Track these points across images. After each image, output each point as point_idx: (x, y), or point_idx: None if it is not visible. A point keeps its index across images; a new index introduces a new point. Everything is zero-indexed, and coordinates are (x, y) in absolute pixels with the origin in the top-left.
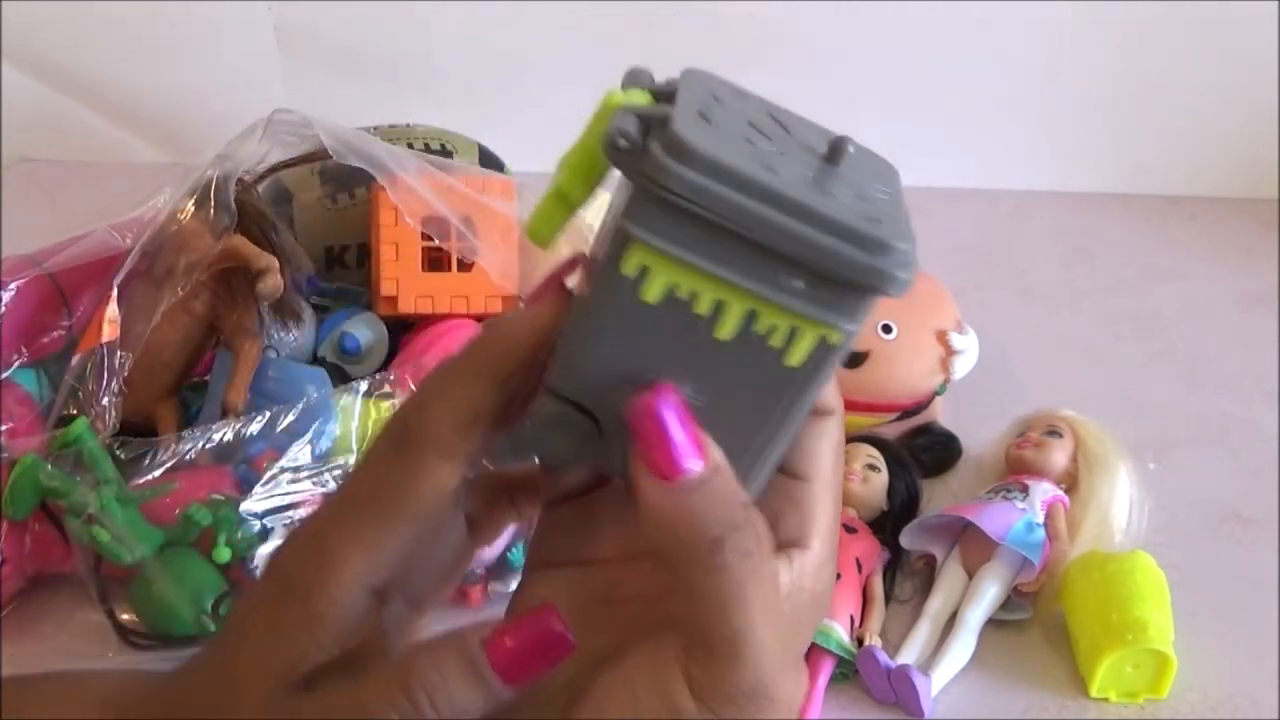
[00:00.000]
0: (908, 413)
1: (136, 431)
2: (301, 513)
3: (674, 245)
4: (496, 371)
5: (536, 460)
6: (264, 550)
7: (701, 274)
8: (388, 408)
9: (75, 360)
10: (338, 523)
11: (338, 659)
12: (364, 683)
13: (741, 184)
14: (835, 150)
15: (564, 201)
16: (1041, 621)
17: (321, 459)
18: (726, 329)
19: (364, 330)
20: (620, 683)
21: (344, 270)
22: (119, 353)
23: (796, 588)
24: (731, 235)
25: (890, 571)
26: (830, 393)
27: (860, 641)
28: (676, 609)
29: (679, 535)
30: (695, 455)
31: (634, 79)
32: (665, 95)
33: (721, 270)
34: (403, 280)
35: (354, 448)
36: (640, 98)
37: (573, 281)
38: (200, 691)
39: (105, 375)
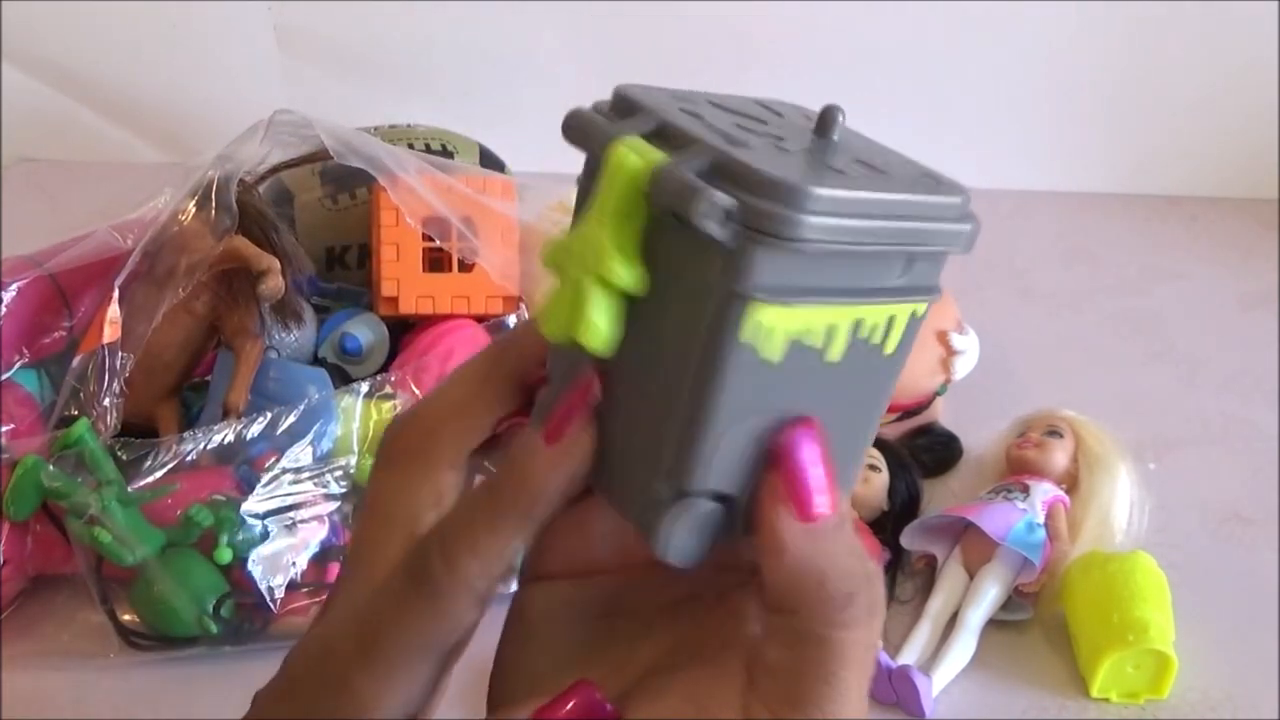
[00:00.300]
0: (908, 413)
1: (137, 432)
2: (303, 514)
3: (790, 292)
4: (527, 516)
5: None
6: (265, 550)
7: (817, 309)
8: (389, 409)
9: (76, 361)
10: (362, 666)
11: None
12: None
13: (852, 205)
14: (826, 122)
15: (615, 292)
16: (1042, 622)
17: (323, 460)
18: (838, 349)
19: (365, 331)
20: (662, 707)
21: (345, 271)
22: (120, 354)
23: None
24: (838, 258)
25: (891, 572)
26: None
27: None
28: (770, 649)
29: (818, 583)
30: (830, 499)
31: (598, 126)
32: (660, 133)
33: (834, 298)
34: (403, 281)
35: (355, 449)
36: (637, 147)
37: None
38: None
39: (106, 376)
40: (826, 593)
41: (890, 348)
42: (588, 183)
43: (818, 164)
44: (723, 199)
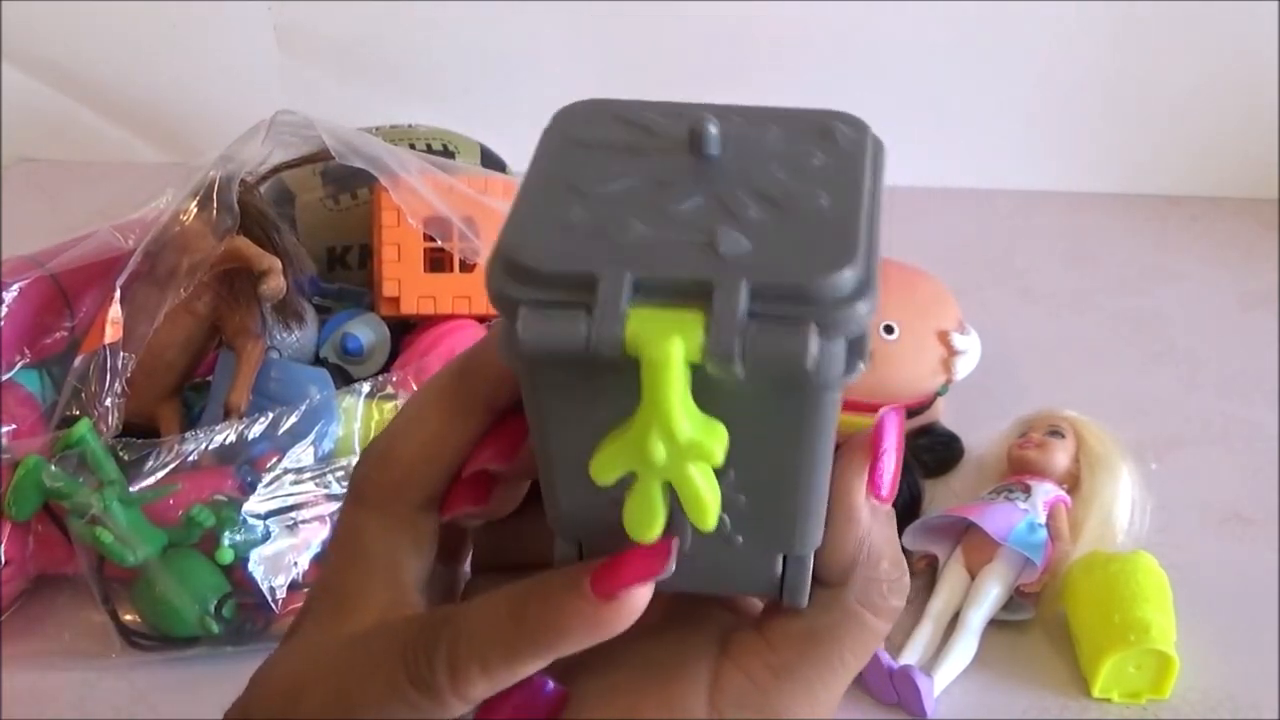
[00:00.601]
0: (909, 413)
1: (138, 432)
2: (305, 514)
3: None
4: (550, 657)
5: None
6: (267, 551)
7: None
8: (391, 409)
9: (78, 361)
10: (306, 640)
11: None
12: None
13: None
14: (695, 139)
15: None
16: (1044, 622)
17: (324, 460)
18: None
19: (366, 331)
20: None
21: (346, 271)
22: (122, 354)
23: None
24: None
25: None
26: None
27: None
28: (792, 622)
29: (875, 561)
30: (892, 490)
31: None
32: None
33: None
34: (405, 281)
35: (356, 449)
36: (663, 316)
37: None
38: None
39: (108, 376)
40: (879, 573)
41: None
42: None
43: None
44: (815, 357)
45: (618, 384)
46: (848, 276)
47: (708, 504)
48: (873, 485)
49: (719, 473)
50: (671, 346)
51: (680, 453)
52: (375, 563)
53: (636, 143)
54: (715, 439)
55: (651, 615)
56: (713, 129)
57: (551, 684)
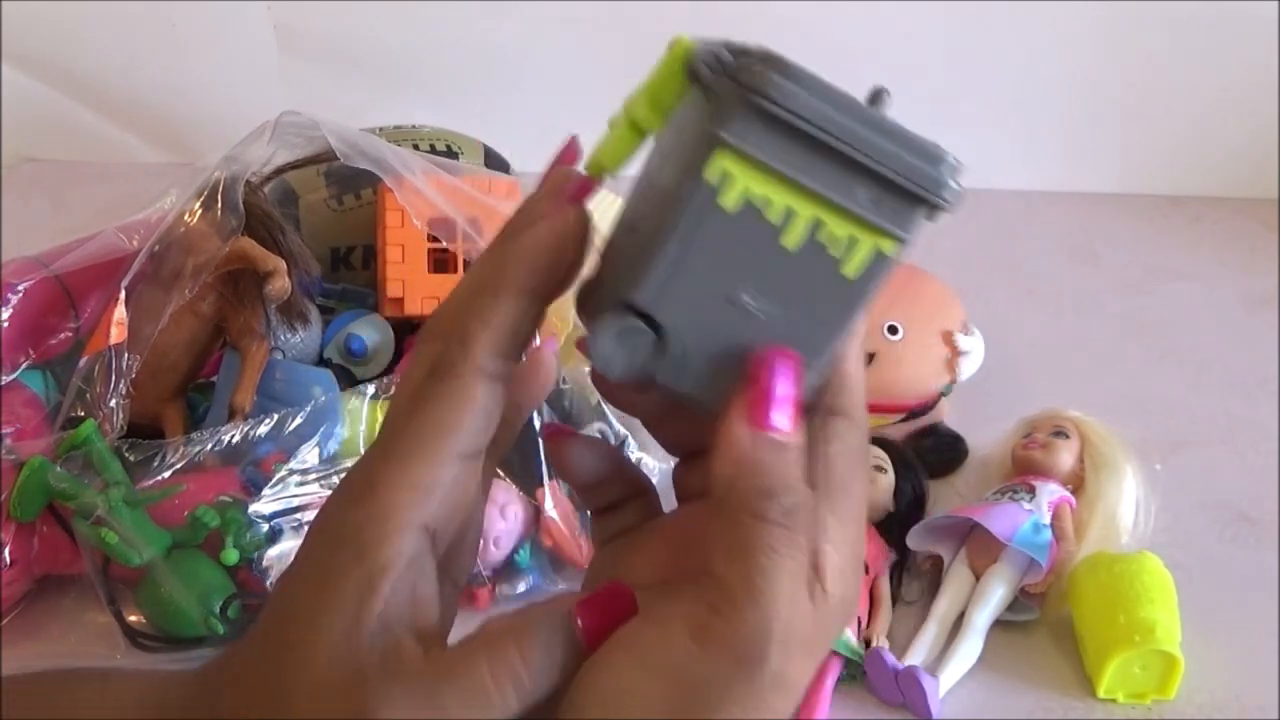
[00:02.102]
0: (914, 413)
1: (143, 433)
2: (310, 515)
3: (756, 150)
4: (533, 287)
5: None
6: (272, 551)
7: (777, 180)
8: None
9: (83, 362)
10: (385, 468)
11: (399, 611)
12: (447, 659)
13: (832, 98)
14: (875, 96)
15: (636, 130)
16: (1049, 622)
17: (329, 461)
18: (794, 237)
19: (370, 332)
20: (625, 640)
21: (350, 271)
22: (126, 355)
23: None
24: (810, 145)
25: (897, 573)
26: (849, 397)
27: (868, 643)
28: (708, 558)
29: (744, 478)
30: (790, 421)
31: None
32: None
33: (796, 175)
34: (409, 281)
35: (361, 450)
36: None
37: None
38: (249, 676)
39: (113, 377)
40: (750, 486)
41: (850, 270)
42: None
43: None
44: (722, 53)
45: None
46: (798, 72)
47: (610, 140)
48: (752, 415)
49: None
50: (682, 37)
51: (631, 103)
52: (443, 427)
53: None
54: (648, 109)
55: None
56: (888, 96)
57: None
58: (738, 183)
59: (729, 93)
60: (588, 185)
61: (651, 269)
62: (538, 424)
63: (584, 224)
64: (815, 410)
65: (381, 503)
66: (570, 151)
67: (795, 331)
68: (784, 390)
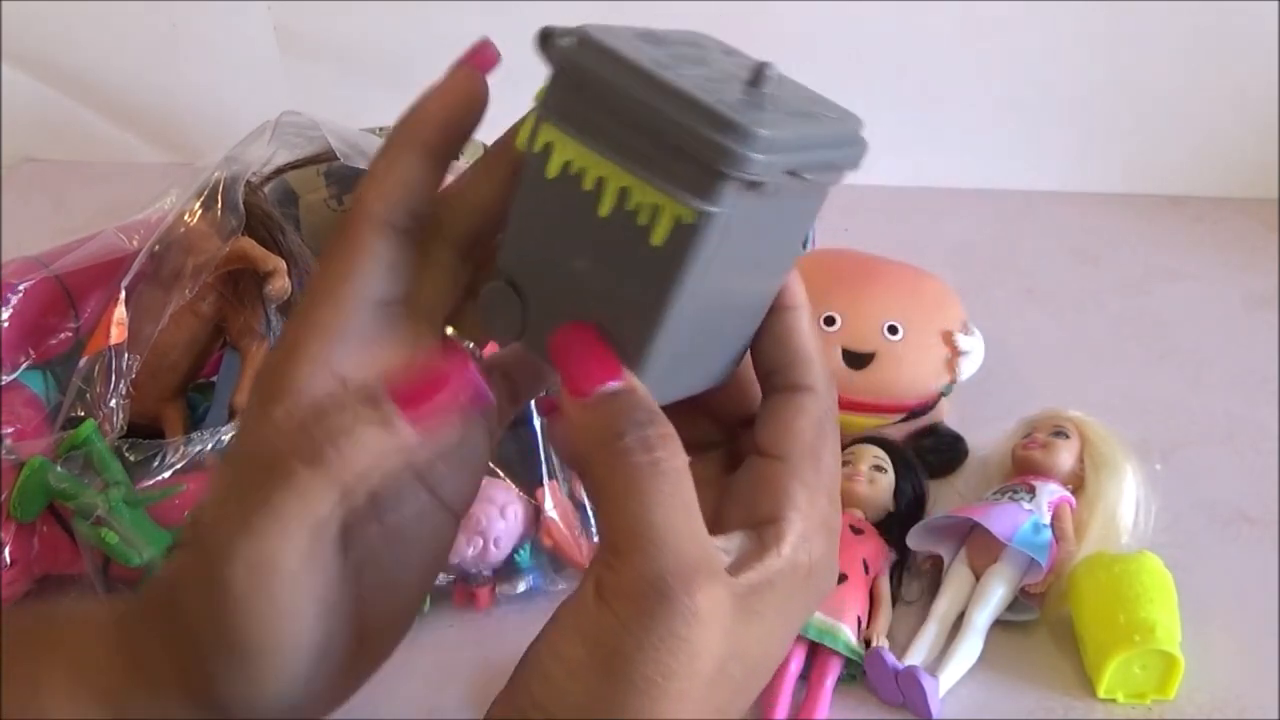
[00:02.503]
0: (914, 414)
1: (143, 433)
2: None
3: (566, 123)
4: (426, 143)
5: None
6: None
7: (585, 150)
8: None
9: (83, 362)
10: (297, 319)
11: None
12: (277, 428)
13: (636, 71)
14: (756, 75)
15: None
16: (1049, 623)
17: None
18: (605, 205)
19: None
20: (561, 608)
21: None
22: (126, 355)
23: (780, 559)
24: (616, 117)
25: (897, 573)
26: (806, 369)
27: (868, 643)
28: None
29: (589, 438)
30: (609, 377)
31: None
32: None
33: (601, 147)
34: None
35: None
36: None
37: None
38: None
39: (113, 377)
40: (595, 441)
41: (657, 239)
42: None
43: (664, 61)
44: (557, 33)
45: None
46: (593, 42)
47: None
48: (573, 391)
49: None
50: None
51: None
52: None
53: (699, 57)
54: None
55: None
56: (771, 73)
57: (464, 369)
58: (558, 153)
59: (554, 68)
60: (488, 57)
61: (506, 236)
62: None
63: (477, 89)
64: (770, 386)
65: (283, 346)
66: (485, 56)
67: (624, 299)
68: (589, 357)
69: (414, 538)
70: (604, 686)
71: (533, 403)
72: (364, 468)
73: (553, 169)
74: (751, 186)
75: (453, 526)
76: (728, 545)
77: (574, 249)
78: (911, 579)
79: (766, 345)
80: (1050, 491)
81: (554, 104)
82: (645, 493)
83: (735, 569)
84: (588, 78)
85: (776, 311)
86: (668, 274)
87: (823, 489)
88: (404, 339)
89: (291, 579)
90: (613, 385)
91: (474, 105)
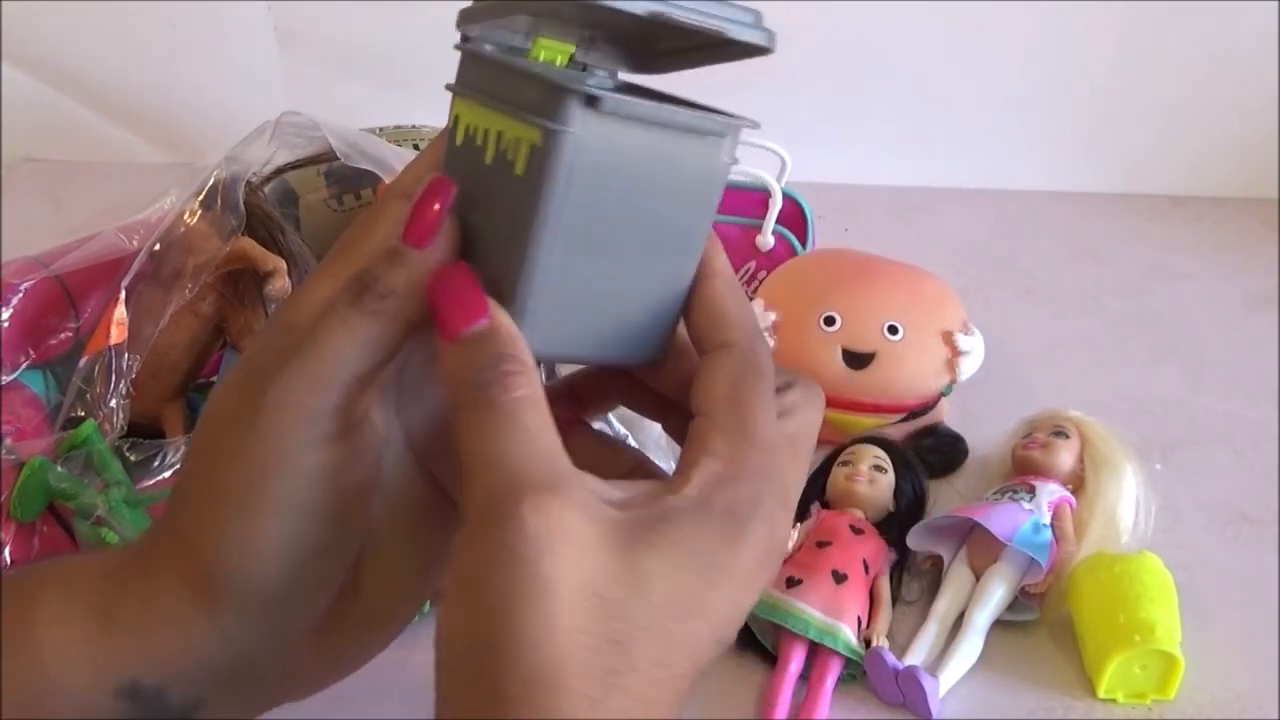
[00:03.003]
0: (914, 414)
1: (143, 432)
2: None
3: (466, 87)
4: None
5: None
6: None
7: (472, 105)
8: None
9: (83, 362)
10: (313, 271)
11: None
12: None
13: (501, 22)
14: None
15: None
16: (1049, 623)
17: None
18: (489, 153)
19: None
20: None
21: None
22: (126, 355)
23: (679, 496)
24: (491, 77)
25: (897, 573)
26: (723, 327)
27: (868, 643)
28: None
29: (453, 381)
30: (476, 316)
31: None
32: None
33: (484, 97)
34: None
35: None
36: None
37: None
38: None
39: (113, 377)
40: (461, 379)
41: (519, 169)
42: None
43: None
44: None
45: None
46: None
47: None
48: (442, 334)
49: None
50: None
51: None
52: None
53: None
54: None
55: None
56: None
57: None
58: (461, 120)
59: (459, 49)
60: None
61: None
62: None
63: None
64: (700, 354)
65: (300, 290)
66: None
67: (501, 240)
68: (456, 297)
69: (418, 524)
70: (467, 615)
71: None
72: (396, 298)
73: (459, 136)
74: (591, 102)
75: (454, 520)
76: (625, 489)
77: (475, 206)
78: (911, 579)
79: (691, 317)
80: (1050, 491)
81: (459, 78)
82: (480, 426)
83: (622, 504)
84: (465, 39)
85: (696, 282)
86: (529, 201)
87: (750, 438)
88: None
89: (314, 427)
90: (478, 325)
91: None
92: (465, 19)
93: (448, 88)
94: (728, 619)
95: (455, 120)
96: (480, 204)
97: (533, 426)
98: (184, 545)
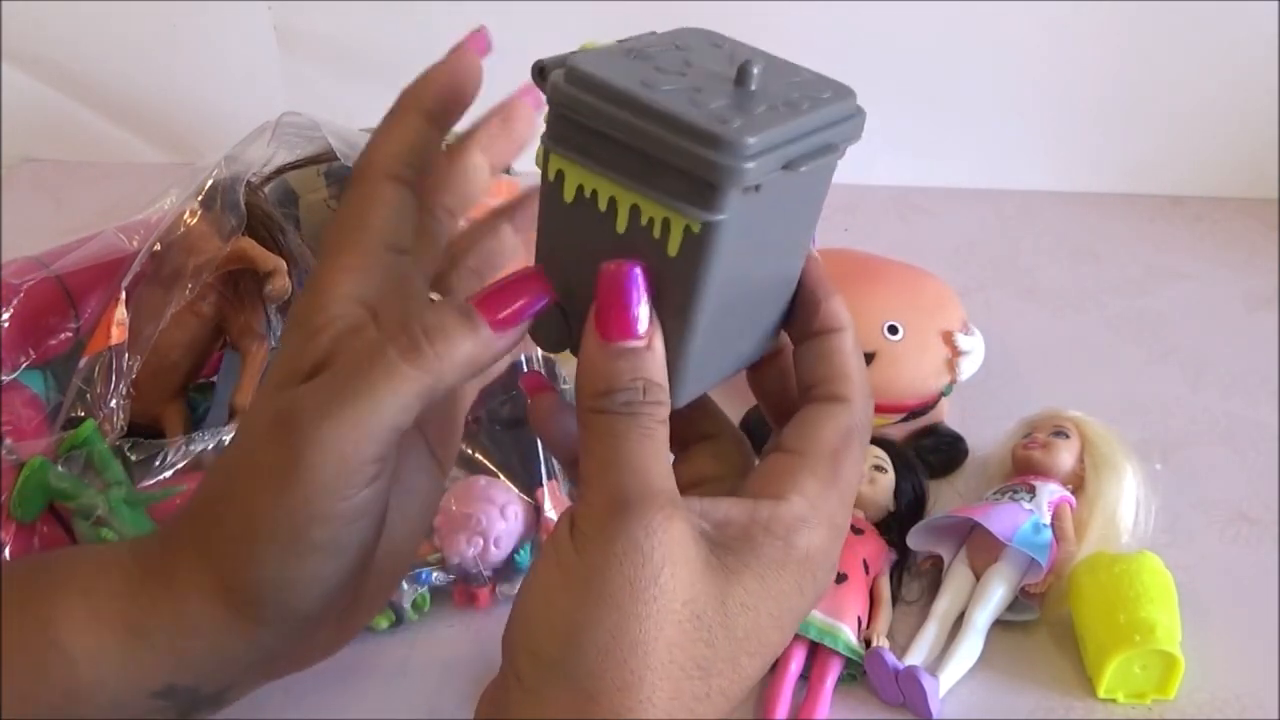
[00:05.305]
0: (914, 413)
1: (143, 433)
2: None
3: (570, 150)
4: (427, 109)
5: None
6: None
7: (594, 174)
8: None
9: (83, 362)
10: (324, 262)
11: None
12: (371, 335)
13: (617, 96)
14: (741, 73)
15: None
16: (1049, 623)
17: None
18: (621, 223)
19: None
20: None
21: None
22: (126, 355)
23: (768, 531)
24: (611, 141)
25: (897, 573)
26: (843, 383)
27: (868, 643)
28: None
29: (585, 380)
30: (638, 331)
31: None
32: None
33: (606, 170)
34: None
35: None
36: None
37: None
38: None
39: (113, 378)
40: (592, 387)
41: (672, 249)
42: None
43: (652, 80)
44: (549, 65)
45: None
46: (578, 73)
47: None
48: (600, 327)
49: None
50: (587, 41)
51: None
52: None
53: (684, 63)
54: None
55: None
56: (756, 69)
57: (538, 276)
58: (570, 179)
59: (549, 102)
60: (482, 43)
61: (539, 256)
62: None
63: (473, 67)
64: (807, 398)
65: (317, 286)
66: (480, 41)
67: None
68: (633, 300)
69: (412, 488)
70: (578, 606)
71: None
72: (453, 366)
73: (568, 193)
74: (748, 190)
75: (440, 483)
76: (715, 511)
77: (595, 262)
78: (911, 579)
79: (809, 361)
80: (1050, 491)
81: (556, 134)
82: (618, 435)
83: (716, 528)
84: (580, 108)
85: (822, 333)
86: (689, 280)
87: (836, 490)
88: (406, 289)
89: (358, 475)
90: (634, 343)
91: (470, 81)
92: (569, 72)
93: (543, 142)
94: (775, 654)
95: (558, 174)
96: (591, 260)
97: (663, 451)
98: (218, 571)
